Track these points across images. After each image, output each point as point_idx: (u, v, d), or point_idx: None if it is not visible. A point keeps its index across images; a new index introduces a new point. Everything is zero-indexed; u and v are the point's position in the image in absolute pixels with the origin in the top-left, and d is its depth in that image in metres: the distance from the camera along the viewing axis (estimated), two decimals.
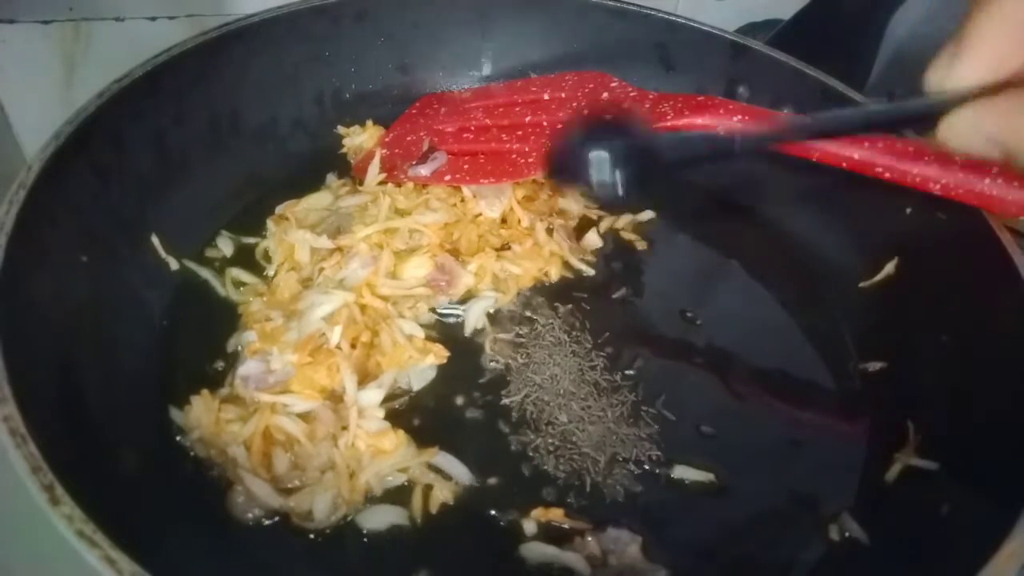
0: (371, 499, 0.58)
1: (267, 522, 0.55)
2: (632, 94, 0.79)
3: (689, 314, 0.75)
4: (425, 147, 0.80)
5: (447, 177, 0.77)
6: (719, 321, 0.74)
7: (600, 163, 0.55)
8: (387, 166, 0.80)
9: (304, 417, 0.59)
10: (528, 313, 0.73)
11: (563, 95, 0.82)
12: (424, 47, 0.91)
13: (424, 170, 0.77)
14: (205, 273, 0.71)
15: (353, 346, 0.64)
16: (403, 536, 0.56)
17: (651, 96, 0.77)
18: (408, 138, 0.84)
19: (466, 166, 0.78)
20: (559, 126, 0.77)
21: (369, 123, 0.88)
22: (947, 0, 1.17)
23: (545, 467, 0.61)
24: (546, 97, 0.83)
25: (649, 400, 0.66)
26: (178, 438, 0.59)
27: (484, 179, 0.76)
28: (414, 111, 0.89)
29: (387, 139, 0.86)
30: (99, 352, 0.58)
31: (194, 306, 0.69)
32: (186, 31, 0.93)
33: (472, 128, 0.83)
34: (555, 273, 0.77)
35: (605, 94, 0.80)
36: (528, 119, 0.81)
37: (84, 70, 0.93)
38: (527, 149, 0.77)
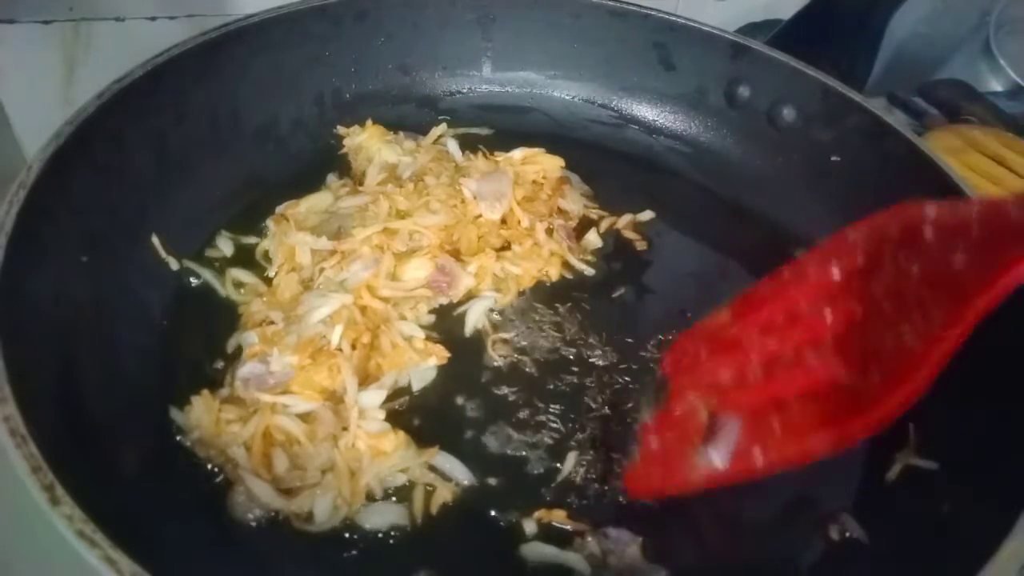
0: (371, 499, 0.58)
1: (267, 522, 0.55)
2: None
3: (689, 314, 0.74)
4: (703, 417, 0.56)
5: (757, 460, 0.53)
6: None
7: None
8: (658, 463, 0.58)
9: (304, 418, 0.59)
10: (528, 313, 0.73)
11: (860, 260, 0.54)
12: (424, 47, 0.91)
13: (717, 455, 0.54)
14: (205, 273, 0.71)
15: (354, 347, 0.64)
16: (403, 536, 0.56)
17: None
18: (676, 412, 0.59)
19: (775, 426, 0.53)
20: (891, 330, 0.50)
21: (369, 123, 0.88)
22: (947, 0, 1.17)
23: (545, 467, 0.61)
24: (835, 275, 0.54)
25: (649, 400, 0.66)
26: (178, 438, 0.58)
27: (816, 448, 0.51)
28: (667, 368, 0.63)
29: (649, 422, 0.60)
30: (99, 352, 0.58)
31: (194, 306, 0.69)
32: (186, 31, 0.92)
33: (756, 363, 0.57)
34: (555, 273, 0.76)
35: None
36: (829, 319, 0.54)
37: (84, 70, 0.93)
38: (870, 377, 0.50)
